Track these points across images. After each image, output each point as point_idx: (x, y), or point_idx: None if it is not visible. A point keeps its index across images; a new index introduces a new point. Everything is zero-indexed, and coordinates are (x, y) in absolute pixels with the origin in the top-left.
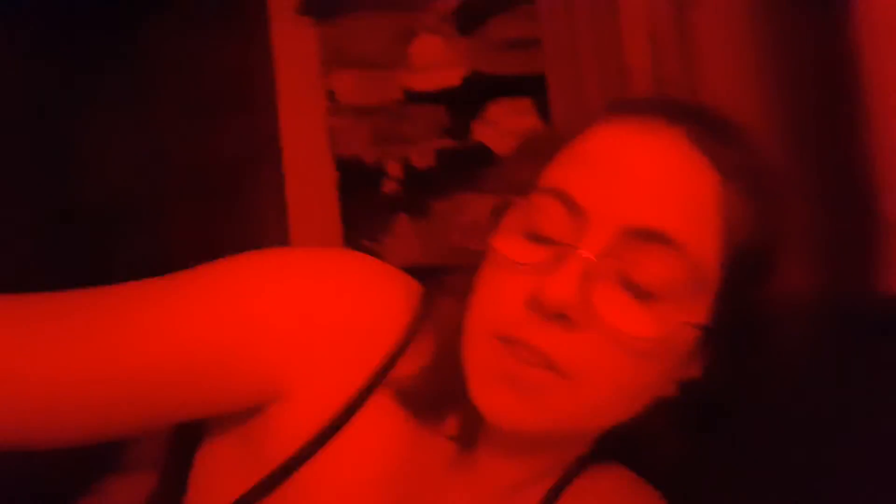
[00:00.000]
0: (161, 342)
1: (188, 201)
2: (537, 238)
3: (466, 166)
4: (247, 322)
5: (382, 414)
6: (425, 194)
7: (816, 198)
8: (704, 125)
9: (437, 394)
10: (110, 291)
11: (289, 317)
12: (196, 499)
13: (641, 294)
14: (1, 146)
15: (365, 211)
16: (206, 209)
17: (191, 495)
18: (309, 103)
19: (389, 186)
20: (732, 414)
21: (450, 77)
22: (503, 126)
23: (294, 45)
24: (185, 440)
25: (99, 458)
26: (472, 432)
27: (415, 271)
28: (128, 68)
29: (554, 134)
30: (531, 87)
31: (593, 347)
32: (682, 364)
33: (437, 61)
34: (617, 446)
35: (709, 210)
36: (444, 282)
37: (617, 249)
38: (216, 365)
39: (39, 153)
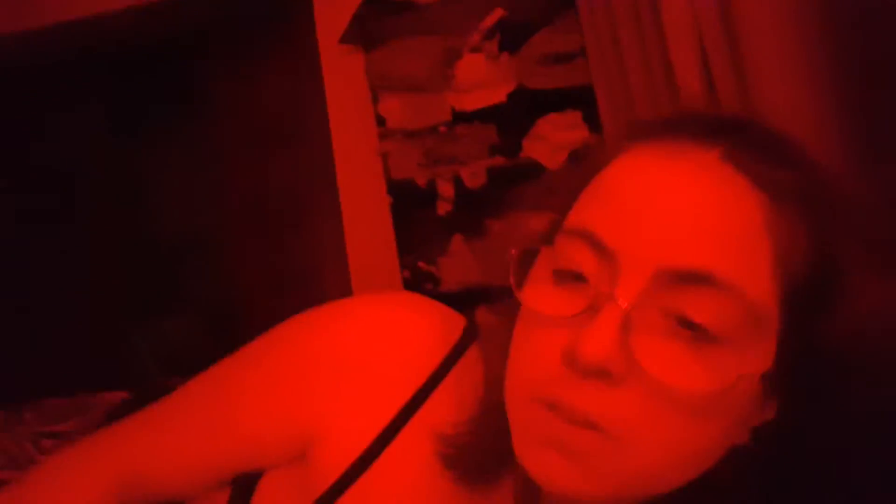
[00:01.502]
0: (233, 426)
1: (249, 231)
2: (569, 286)
3: (519, 183)
4: (283, 388)
5: (415, 453)
6: (479, 214)
7: (887, 205)
8: (743, 141)
9: (486, 456)
10: (194, 390)
11: (318, 368)
12: None
13: (692, 342)
14: (80, 191)
15: (420, 233)
16: (266, 237)
17: None
18: (360, 130)
19: (443, 207)
20: (821, 460)
21: (496, 95)
22: (554, 140)
23: (342, 73)
24: (243, 486)
25: None
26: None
27: (473, 291)
28: (185, 108)
29: (581, 166)
30: (579, 100)
31: (640, 405)
32: (752, 412)
33: (482, 80)
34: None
35: (756, 239)
36: (500, 307)
37: (656, 294)
38: (269, 433)
39: (110, 194)
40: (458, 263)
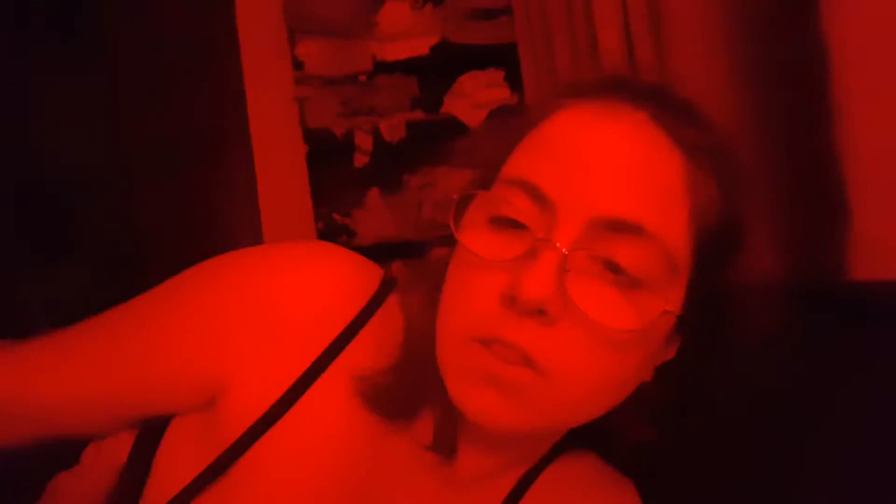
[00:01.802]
0: (131, 364)
1: (153, 174)
2: (505, 232)
3: (438, 139)
4: (190, 332)
5: (335, 398)
6: (397, 168)
7: (783, 185)
8: (667, 105)
9: (406, 395)
10: (95, 324)
11: (230, 314)
12: (156, 489)
13: (618, 285)
14: None
15: (336, 184)
16: (172, 182)
17: (151, 487)
18: (276, 73)
19: (360, 160)
20: (701, 398)
21: (419, 46)
22: (475, 98)
23: (259, 12)
24: (148, 434)
25: (52, 455)
26: (451, 440)
27: (387, 246)
28: (85, 37)
29: (517, 120)
30: (502, 58)
31: (572, 342)
32: (659, 352)
33: (406, 30)
34: (589, 432)
35: (677, 194)
36: (417, 261)
37: (589, 240)
38: (171, 377)
39: None
40: (374, 217)
